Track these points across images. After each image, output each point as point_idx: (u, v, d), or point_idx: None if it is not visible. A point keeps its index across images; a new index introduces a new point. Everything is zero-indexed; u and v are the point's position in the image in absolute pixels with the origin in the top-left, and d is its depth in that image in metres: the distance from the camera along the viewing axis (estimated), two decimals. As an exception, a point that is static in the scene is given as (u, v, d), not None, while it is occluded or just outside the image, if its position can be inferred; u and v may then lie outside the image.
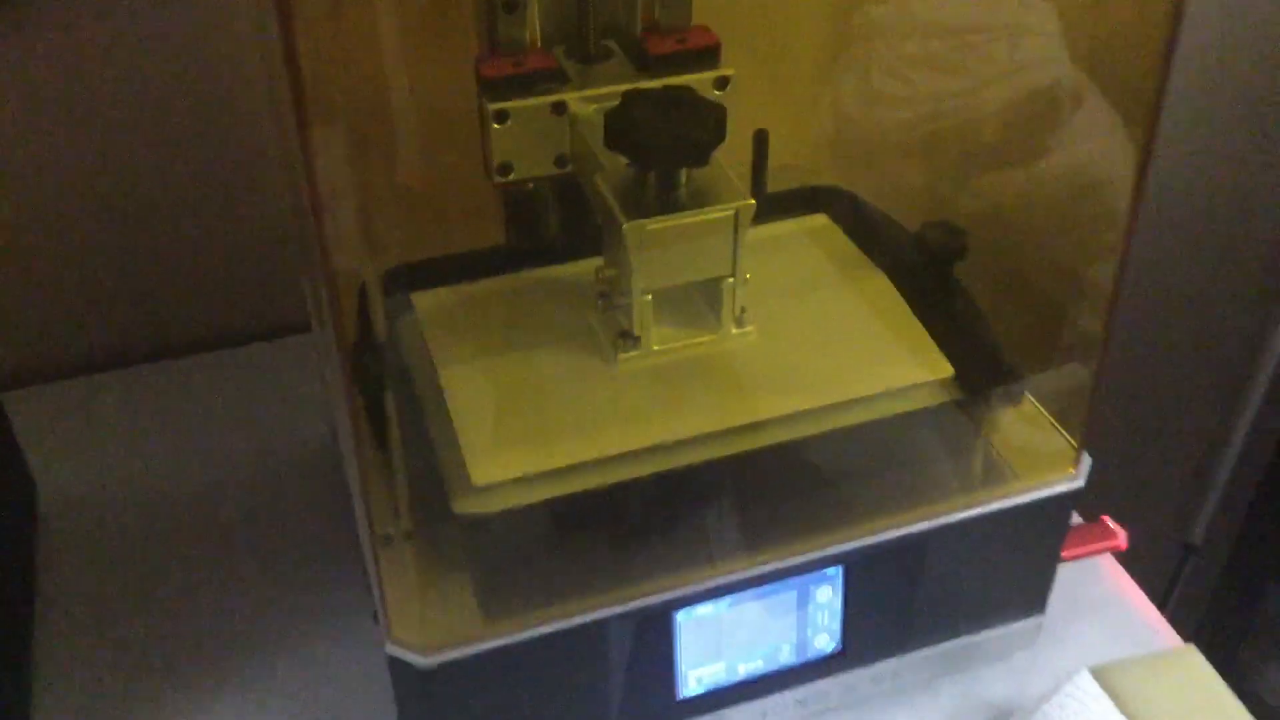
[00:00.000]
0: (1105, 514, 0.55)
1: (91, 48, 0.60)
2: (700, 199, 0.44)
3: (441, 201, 0.54)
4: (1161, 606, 0.54)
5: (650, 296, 0.44)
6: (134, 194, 0.63)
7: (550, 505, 0.40)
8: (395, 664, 0.38)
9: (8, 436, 0.54)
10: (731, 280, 0.45)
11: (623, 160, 0.44)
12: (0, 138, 0.60)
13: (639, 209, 0.43)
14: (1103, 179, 0.57)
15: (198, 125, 0.63)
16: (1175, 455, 1.01)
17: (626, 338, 0.45)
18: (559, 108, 0.47)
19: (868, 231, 0.52)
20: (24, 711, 0.46)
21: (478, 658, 0.38)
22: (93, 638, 0.50)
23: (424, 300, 0.48)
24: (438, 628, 0.39)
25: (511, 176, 0.48)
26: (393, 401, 0.43)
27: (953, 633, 0.48)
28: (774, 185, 0.55)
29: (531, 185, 0.50)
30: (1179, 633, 0.52)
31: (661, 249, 0.43)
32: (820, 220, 0.54)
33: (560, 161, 0.48)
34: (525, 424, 0.43)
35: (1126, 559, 0.55)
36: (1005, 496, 0.44)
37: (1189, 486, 1.02)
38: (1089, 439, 0.46)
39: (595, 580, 0.41)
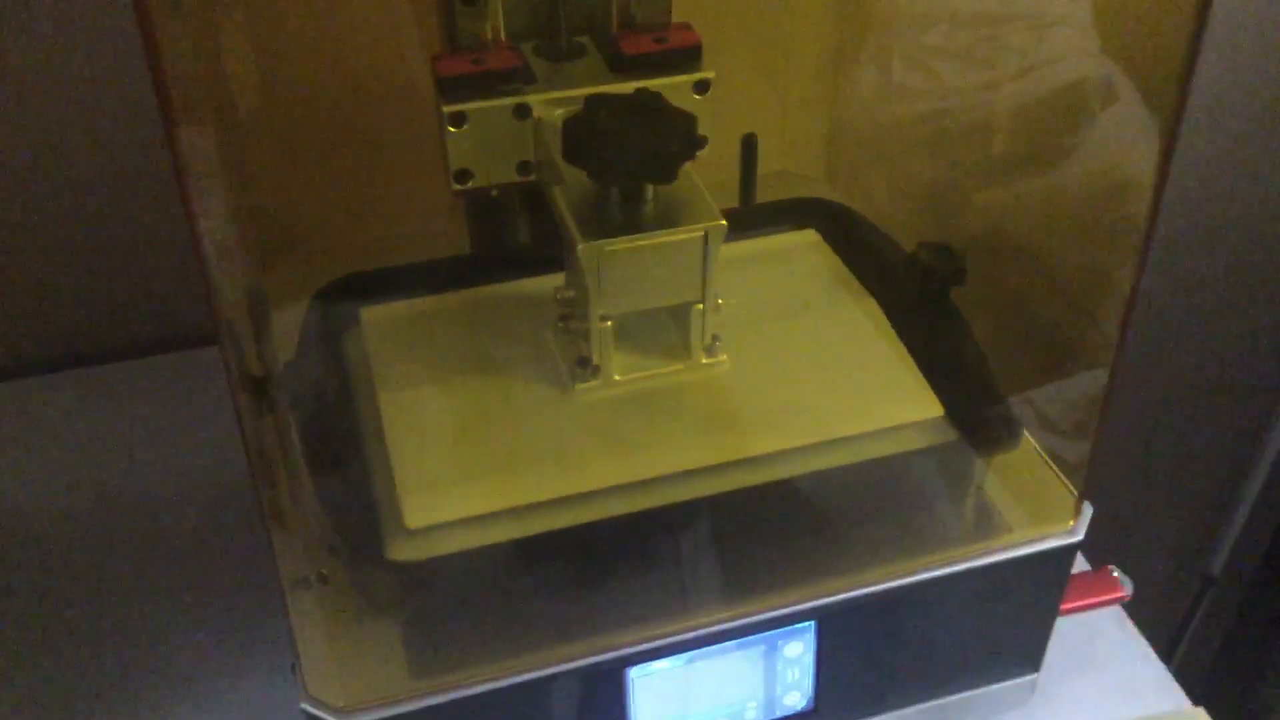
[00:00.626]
0: (1121, 547, 0.50)
1: (52, 46, 0.57)
2: (668, 217, 0.40)
3: (400, 208, 0.51)
4: (1177, 641, 0.50)
5: (610, 323, 0.41)
6: (89, 189, 0.60)
7: (491, 552, 0.37)
8: (313, 722, 0.35)
9: None
10: (701, 306, 0.41)
11: (573, 172, 0.40)
12: None
13: (598, 227, 0.39)
14: (1130, 184, 0.52)
15: (144, 116, 0.60)
16: (1194, 486, 0.96)
17: (585, 366, 0.41)
18: (522, 110, 0.43)
19: (860, 250, 0.48)
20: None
21: (402, 719, 0.35)
22: (28, 649, 0.48)
23: (371, 315, 0.45)
24: (359, 683, 0.36)
25: (470, 184, 0.44)
26: (315, 429, 0.40)
27: (936, 692, 0.44)
28: (768, 194, 0.52)
29: (495, 193, 0.46)
30: (1193, 670, 0.48)
31: (622, 272, 0.40)
32: (809, 236, 0.50)
33: (524, 169, 0.44)
34: (469, 460, 0.39)
35: (1141, 593, 0.51)
36: (996, 550, 0.40)
37: (1209, 517, 0.98)
38: (1095, 480, 0.42)
39: (540, 634, 0.37)
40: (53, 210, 0.61)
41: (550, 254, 0.45)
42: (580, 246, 0.39)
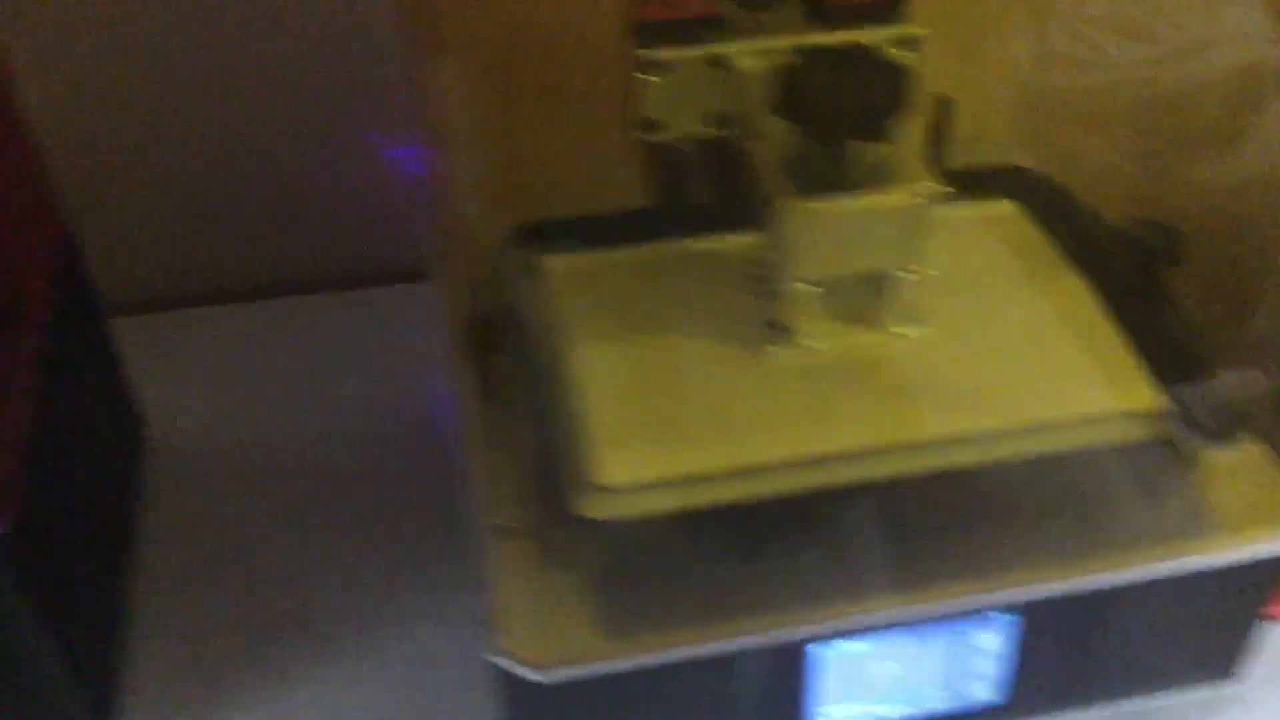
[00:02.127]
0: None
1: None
2: (875, 179, 0.38)
3: (584, 154, 0.50)
4: None
5: (806, 286, 0.39)
6: (269, 119, 0.61)
7: (681, 515, 0.36)
8: (502, 675, 0.35)
9: (115, 364, 0.53)
10: (904, 274, 0.39)
11: (785, 126, 0.38)
12: (127, 56, 0.58)
13: (800, 186, 0.38)
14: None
15: (337, 46, 0.59)
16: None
17: (777, 329, 0.40)
18: (718, 60, 0.42)
19: (1061, 225, 0.45)
20: (114, 665, 0.45)
21: (598, 680, 0.34)
22: (191, 589, 0.49)
23: (556, 264, 0.44)
24: (554, 641, 0.35)
25: (659, 134, 0.43)
26: (513, 378, 0.40)
27: (1127, 692, 0.42)
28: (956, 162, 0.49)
29: (683, 145, 0.45)
30: None
31: (823, 234, 0.38)
32: (1005, 207, 0.47)
33: (716, 121, 0.43)
34: (660, 420, 0.38)
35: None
36: (1207, 553, 0.38)
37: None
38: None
39: (728, 605, 0.37)
40: (249, 139, 0.61)
41: (737, 211, 0.43)
42: (780, 205, 0.37)
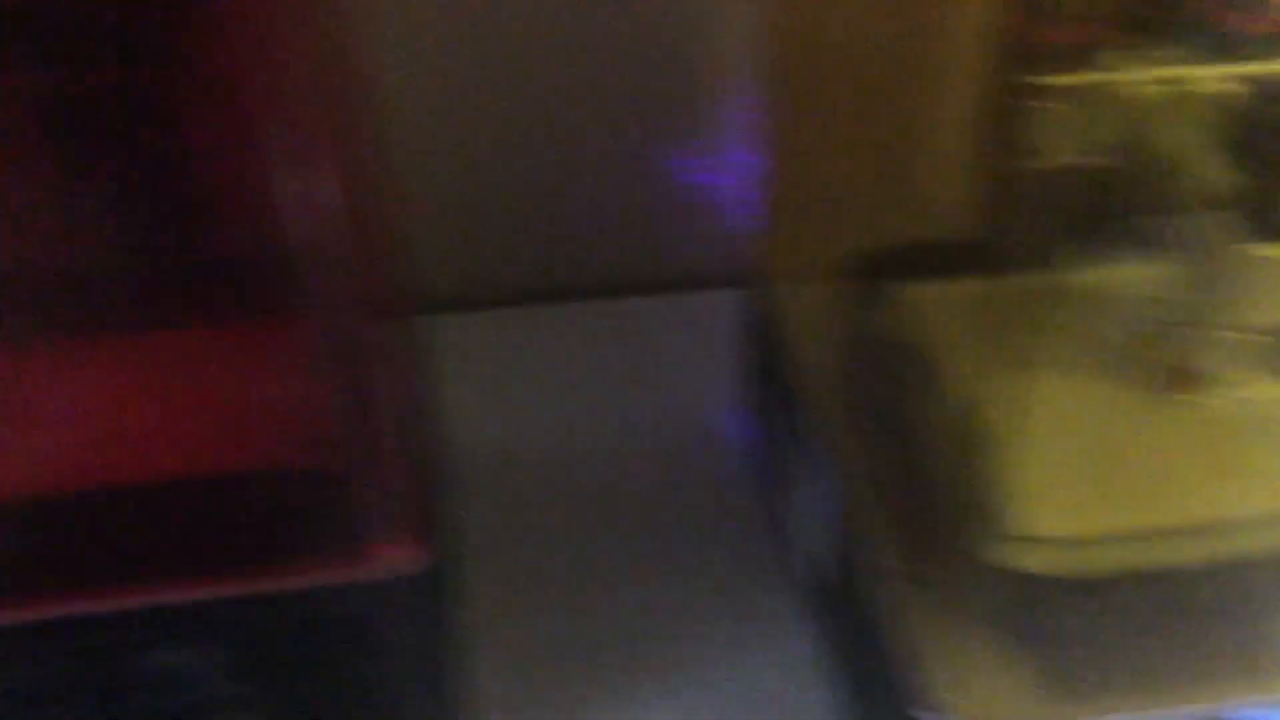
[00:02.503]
0: None
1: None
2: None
3: (924, 178, 0.48)
4: None
5: (1231, 334, 0.37)
6: (588, 120, 0.59)
7: (1112, 573, 0.34)
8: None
9: (418, 363, 0.51)
10: (1338, 327, 0.37)
11: (1208, 165, 0.36)
12: (464, 50, 0.57)
13: (1233, 231, 0.36)
14: None
15: (666, 53, 0.58)
16: None
17: (1186, 376, 0.38)
18: (1111, 88, 0.40)
19: None
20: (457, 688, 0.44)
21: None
22: (509, 608, 0.46)
23: (926, 293, 0.42)
24: (988, 700, 0.33)
25: (1038, 163, 0.41)
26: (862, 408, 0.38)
27: None
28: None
29: (1059, 175, 0.43)
30: None
31: (1262, 281, 0.36)
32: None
33: (1105, 151, 0.41)
34: (1082, 468, 0.36)
35: None
36: None
37: None
38: None
39: (1151, 671, 0.35)
40: (569, 140, 0.60)
41: (1115, 245, 0.41)
42: (1218, 251, 0.35)
